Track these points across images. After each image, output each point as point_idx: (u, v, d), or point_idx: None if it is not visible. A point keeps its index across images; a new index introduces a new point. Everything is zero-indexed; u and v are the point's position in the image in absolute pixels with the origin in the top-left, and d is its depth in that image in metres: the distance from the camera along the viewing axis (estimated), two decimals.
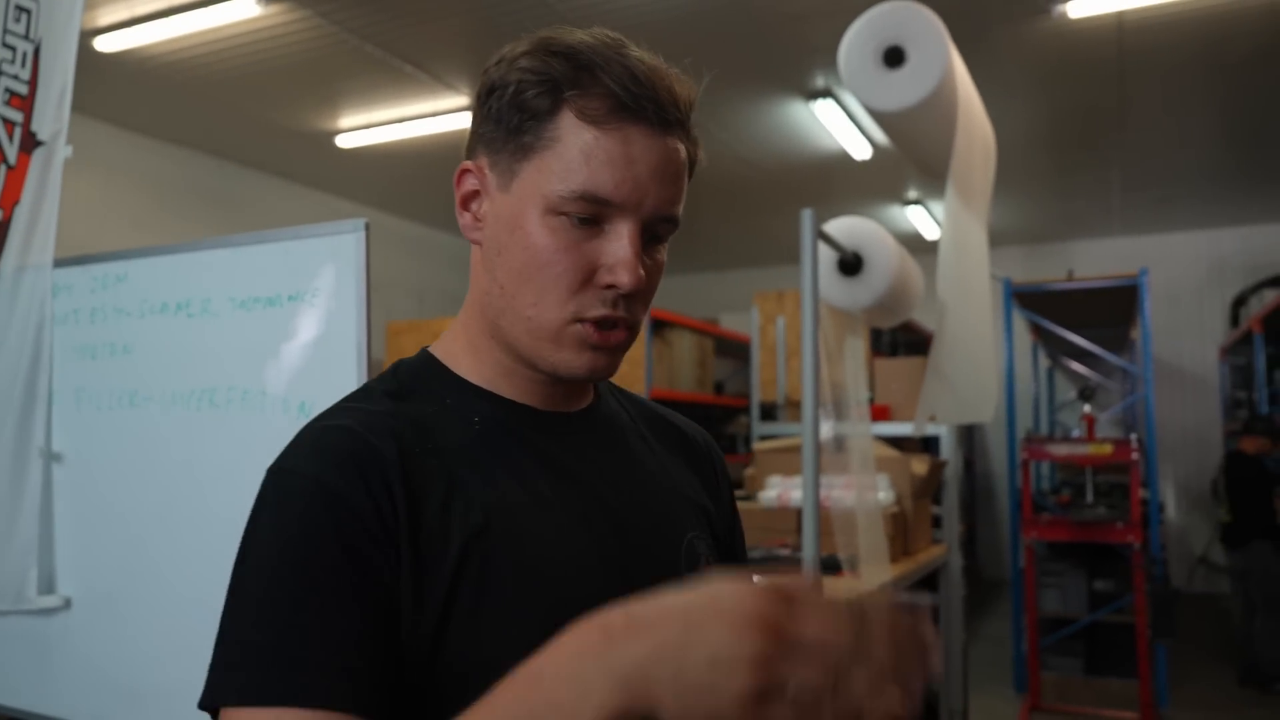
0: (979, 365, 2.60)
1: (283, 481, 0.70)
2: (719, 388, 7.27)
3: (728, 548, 0.92)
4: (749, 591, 0.49)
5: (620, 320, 0.76)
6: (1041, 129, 6.02)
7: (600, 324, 0.75)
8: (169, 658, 1.77)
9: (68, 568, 1.94)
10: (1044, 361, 8.22)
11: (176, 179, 6.46)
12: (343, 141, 6.30)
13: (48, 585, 1.95)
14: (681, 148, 0.76)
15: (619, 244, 0.73)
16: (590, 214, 0.73)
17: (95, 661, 1.89)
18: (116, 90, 5.40)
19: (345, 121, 6.03)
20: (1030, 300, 5.90)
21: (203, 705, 0.64)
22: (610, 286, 0.74)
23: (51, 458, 1.96)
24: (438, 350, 0.84)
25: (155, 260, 1.87)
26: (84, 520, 1.93)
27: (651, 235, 0.76)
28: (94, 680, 1.89)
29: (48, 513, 1.95)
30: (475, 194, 0.79)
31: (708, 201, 7.66)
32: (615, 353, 0.78)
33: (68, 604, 1.94)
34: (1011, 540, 5.66)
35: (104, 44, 4.73)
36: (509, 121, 0.75)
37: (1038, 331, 6.91)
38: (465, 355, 0.82)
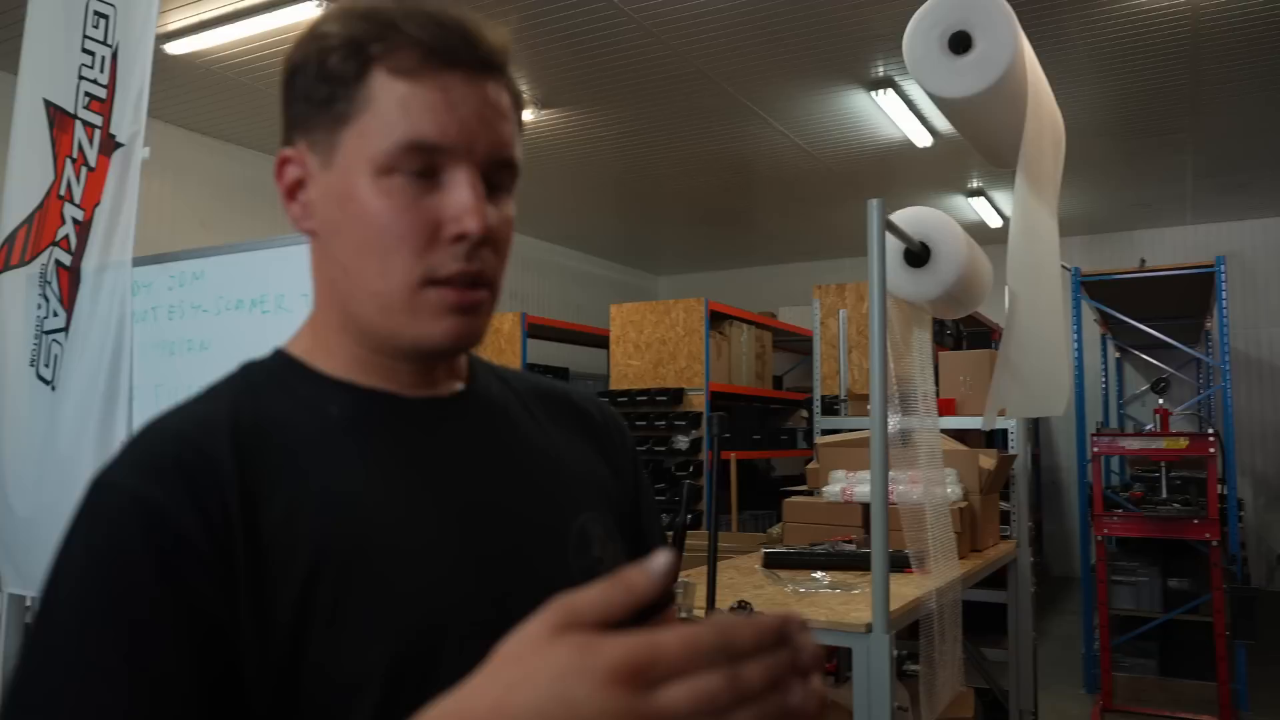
0: (1050, 357, 2.54)
1: (98, 496, 0.63)
2: (778, 382, 7.22)
3: (632, 523, 0.86)
4: (603, 677, 0.43)
5: (478, 275, 0.70)
6: (1112, 114, 5.85)
7: (456, 282, 0.69)
8: None
9: None
10: (1113, 353, 8.00)
11: (243, 179, 6.61)
12: None
13: None
14: (504, 92, 0.72)
15: (459, 191, 0.68)
16: (422, 165, 0.67)
17: None
18: (185, 93, 5.54)
19: None
20: (1099, 290, 5.75)
21: None
22: (459, 237, 0.68)
23: None
24: (291, 348, 0.77)
25: (231, 258, 1.91)
26: None
27: (492, 184, 0.71)
28: None
29: None
30: (300, 182, 0.73)
31: (765, 193, 7.60)
32: (478, 315, 0.71)
33: None
34: (1081, 536, 5.52)
35: (174, 48, 4.86)
36: (318, 95, 0.70)
37: (1106, 322, 6.73)
38: (318, 352, 0.75)
